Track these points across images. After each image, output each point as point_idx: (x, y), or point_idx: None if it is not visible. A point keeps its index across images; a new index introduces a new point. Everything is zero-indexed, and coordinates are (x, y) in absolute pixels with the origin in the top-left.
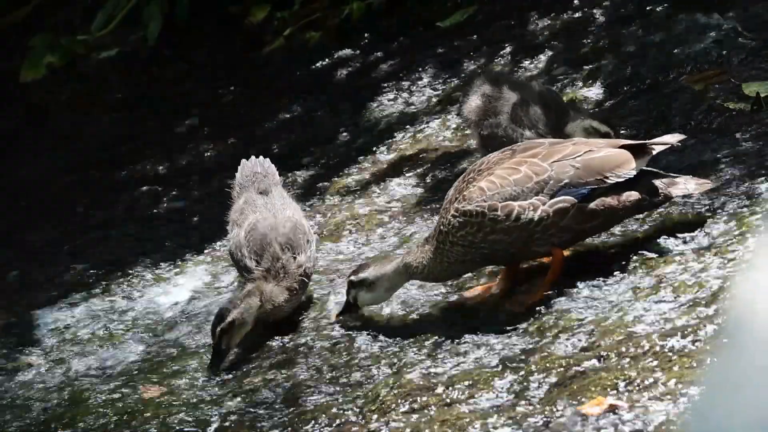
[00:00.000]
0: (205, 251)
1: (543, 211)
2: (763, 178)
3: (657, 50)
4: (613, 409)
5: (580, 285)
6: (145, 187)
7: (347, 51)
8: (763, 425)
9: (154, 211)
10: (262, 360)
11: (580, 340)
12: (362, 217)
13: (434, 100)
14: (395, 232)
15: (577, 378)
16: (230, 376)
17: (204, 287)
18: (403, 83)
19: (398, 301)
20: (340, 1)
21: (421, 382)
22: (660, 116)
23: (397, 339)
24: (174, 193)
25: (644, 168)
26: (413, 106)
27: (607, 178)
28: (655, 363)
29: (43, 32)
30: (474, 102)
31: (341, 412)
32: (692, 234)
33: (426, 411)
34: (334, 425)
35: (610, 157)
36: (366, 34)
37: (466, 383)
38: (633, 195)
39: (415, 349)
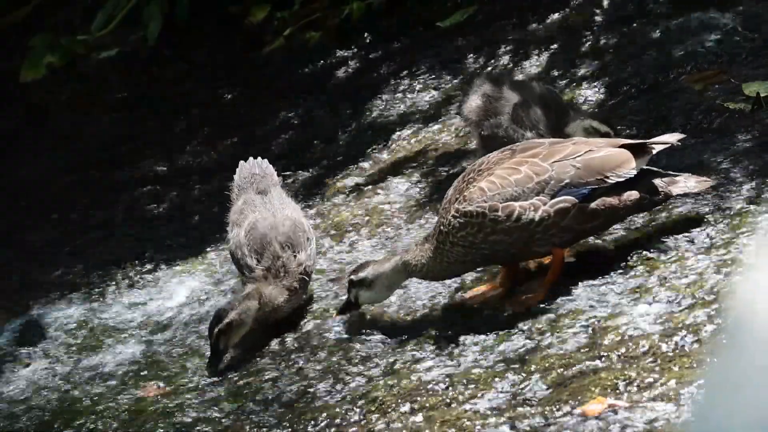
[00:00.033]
0: (205, 251)
1: (544, 212)
2: (763, 178)
3: (657, 50)
4: (613, 409)
5: (580, 285)
6: (145, 187)
7: (347, 51)
8: (763, 425)
9: (154, 211)
10: (262, 360)
11: (580, 340)
12: (362, 216)
13: (434, 100)
14: (395, 232)
15: (577, 378)
16: (230, 376)
17: (204, 287)
18: (403, 83)
19: (398, 301)
20: (340, 1)
21: (421, 382)
22: (660, 116)
23: (397, 339)
24: (174, 193)
25: (644, 167)
26: (413, 106)
27: (607, 177)
28: (655, 363)
29: (43, 32)
30: (474, 102)
31: (341, 412)
32: (692, 234)
33: (426, 411)
34: (334, 425)
35: (611, 156)
36: (366, 34)
37: (466, 383)
38: (633, 194)
39: (415, 349)
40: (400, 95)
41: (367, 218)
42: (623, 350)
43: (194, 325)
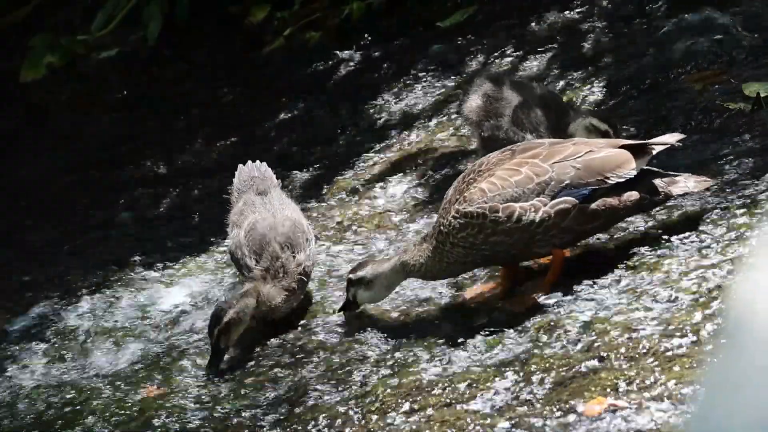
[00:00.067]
0: (205, 251)
1: (544, 213)
2: (763, 178)
3: (657, 50)
4: (613, 409)
5: (580, 285)
6: (145, 187)
7: (347, 51)
8: (763, 425)
9: (154, 211)
10: (262, 360)
11: (580, 340)
12: (362, 216)
13: (434, 100)
14: (396, 232)
15: (577, 378)
16: (230, 376)
17: (204, 287)
18: (403, 83)
19: (398, 301)
20: (340, 1)
21: (421, 382)
22: (660, 116)
23: (397, 339)
24: (174, 193)
25: (644, 167)
26: (413, 106)
27: (607, 178)
28: (655, 363)
29: (43, 32)
30: (474, 102)
31: (341, 412)
32: (692, 233)
33: (426, 411)
34: (334, 425)
35: (611, 157)
36: (366, 34)
37: (466, 383)
38: (634, 194)
39: (415, 349)
40: (400, 95)
41: (367, 218)
42: (623, 350)
43: (194, 325)
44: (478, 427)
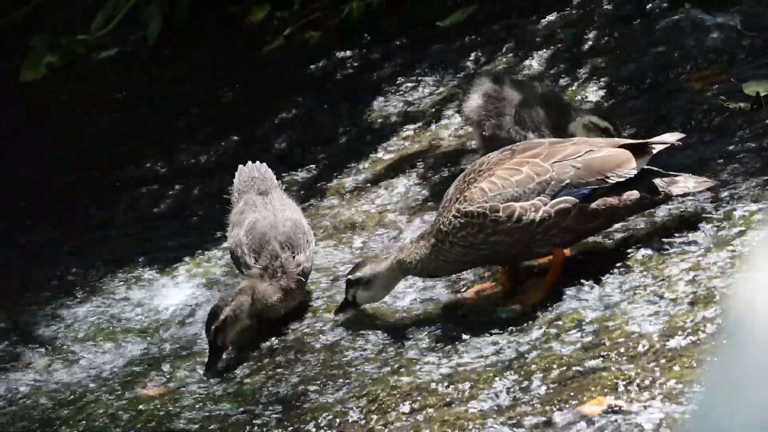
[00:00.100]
0: (205, 251)
1: (545, 212)
2: (763, 177)
3: (657, 50)
4: (613, 408)
5: (581, 285)
6: (145, 187)
7: (347, 51)
8: (763, 425)
9: (154, 211)
10: (262, 360)
11: (580, 340)
12: (362, 216)
13: (434, 99)
14: (396, 232)
15: (577, 378)
16: (230, 376)
17: (204, 287)
18: (403, 83)
19: (398, 301)
20: (340, 1)
21: (421, 382)
22: (660, 116)
23: (397, 339)
24: (174, 193)
25: (644, 167)
26: (413, 106)
27: (608, 178)
28: (655, 363)
29: (43, 32)
30: (475, 101)
31: (341, 412)
32: (692, 233)
33: (426, 411)
34: (334, 425)
35: (611, 156)
36: (366, 34)
37: (466, 383)
38: (634, 194)
39: (415, 348)
40: (400, 95)
41: (367, 218)
42: (623, 350)
43: (194, 324)
44: (478, 427)
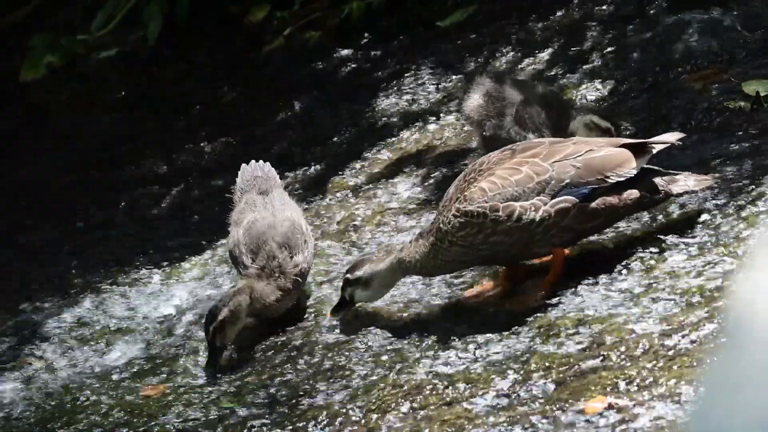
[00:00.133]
0: (205, 251)
1: (544, 212)
2: (763, 177)
3: (657, 49)
4: (613, 408)
5: (581, 285)
6: (145, 187)
7: (347, 51)
8: (763, 425)
9: (154, 211)
10: (262, 360)
11: (580, 340)
12: (362, 216)
13: (434, 99)
14: (396, 232)
15: (577, 377)
16: (230, 376)
17: (204, 287)
18: (403, 83)
19: (398, 300)
20: (339, 1)
21: (421, 382)
22: (660, 115)
23: (397, 338)
24: (174, 193)
25: (644, 166)
26: (413, 106)
27: (608, 177)
28: (655, 362)
29: (43, 32)
30: (475, 101)
31: (341, 411)
32: (692, 233)
33: (426, 410)
34: (334, 425)
35: (611, 156)
36: (366, 34)
37: (466, 383)
38: (633, 193)
39: (414, 348)
40: (400, 95)
41: (367, 218)
42: (623, 349)
43: (194, 324)
44: (478, 427)
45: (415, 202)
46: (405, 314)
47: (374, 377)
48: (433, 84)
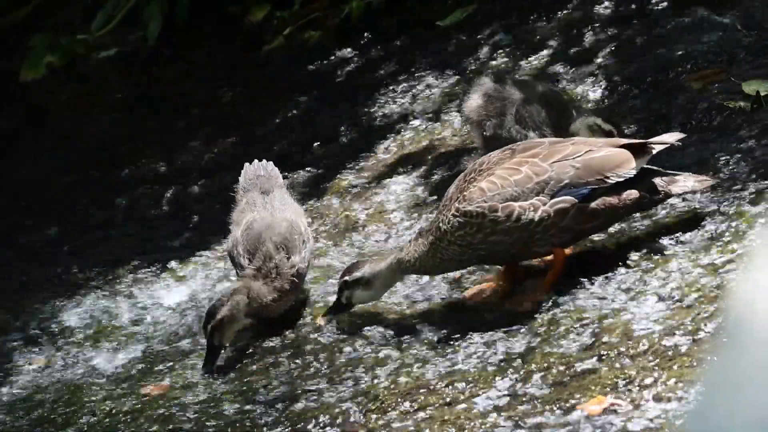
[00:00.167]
0: (205, 251)
1: (543, 212)
2: (763, 177)
3: (657, 49)
4: (613, 408)
5: (581, 284)
6: (145, 187)
7: (347, 51)
8: (763, 425)
9: (154, 211)
10: (262, 360)
11: (580, 340)
12: (362, 216)
13: (434, 99)
14: (396, 232)
15: (577, 377)
16: (230, 375)
17: (204, 287)
18: (403, 83)
19: (397, 301)
20: (339, 1)
21: (421, 382)
22: (660, 115)
23: (397, 338)
24: (174, 193)
25: (644, 166)
26: (413, 105)
27: (607, 178)
28: (655, 362)
29: (43, 32)
30: (475, 101)
31: (341, 411)
32: (692, 233)
33: (426, 410)
34: (334, 425)
35: (611, 156)
36: (366, 34)
37: (466, 383)
38: (633, 193)
39: (414, 348)
40: (400, 95)
41: (367, 218)
42: (623, 349)
43: (194, 324)
44: (478, 427)
45: (415, 202)
46: (405, 314)
47: (374, 377)
48: (433, 84)
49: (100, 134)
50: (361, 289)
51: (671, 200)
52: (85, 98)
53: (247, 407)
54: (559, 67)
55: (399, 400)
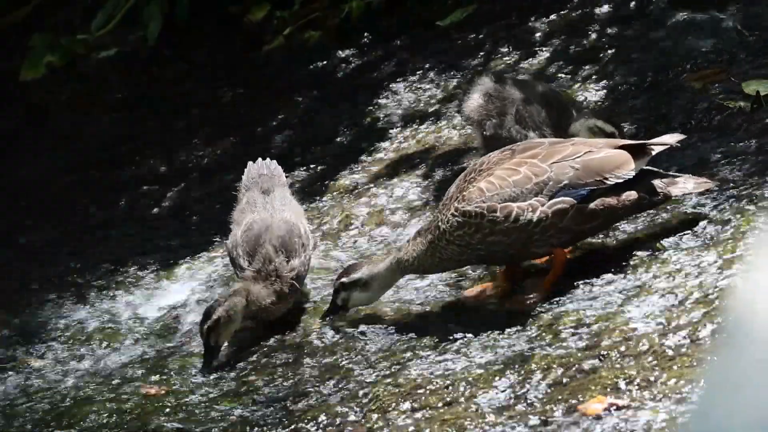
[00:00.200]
0: (205, 251)
1: (542, 212)
2: (763, 177)
3: (657, 49)
4: (613, 407)
5: (581, 285)
6: (145, 187)
7: (347, 51)
8: (763, 425)
9: (154, 211)
10: (262, 360)
11: (580, 340)
12: (362, 216)
13: (434, 99)
14: (396, 232)
15: (577, 377)
16: (230, 376)
17: (204, 287)
18: (403, 83)
19: (398, 301)
20: (339, 1)
21: (421, 382)
22: (660, 115)
23: (397, 338)
24: (174, 193)
25: (644, 167)
26: (413, 105)
27: (606, 179)
28: (655, 362)
29: (43, 32)
30: (475, 101)
31: (341, 411)
32: (692, 233)
33: (426, 410)
34: (334, 425)
35: (610, 157)
36: (366, 34)
37: (466, 383)
38: (632, 195)
39: (414, 348)
40: (400, 95)
41: (367, 218)
42: (623, 349)
43: (194, 324)
44: (478, 427)
45: (415, 202)
46: (405, 314)
47: (374, 377)
48: (433, 84)
49: (100, 134)
50: (359, 290)
51: (671, 200)
52: (85, 98)
53: (247, 408)
54: (559, 67)
55: (399, 400)
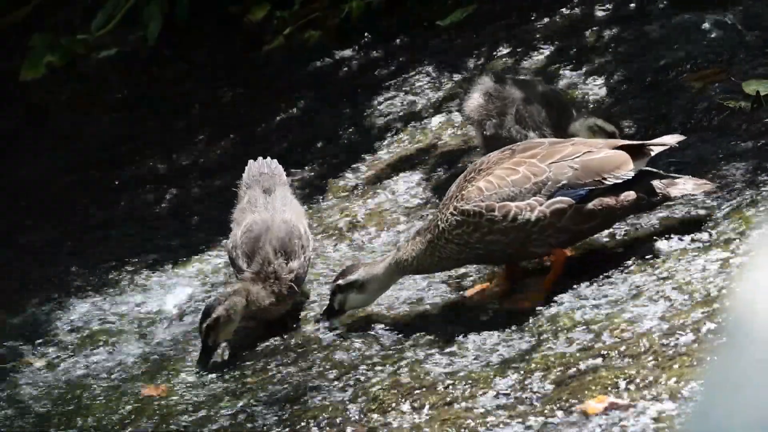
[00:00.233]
0: (205, 251)
1: (540, 212)
2: (763, 177)
3: (657, 49)
4: (613, 407)
5: (581, 284)
6: (145, 187)
7: (347, 51)
8: (763, 425)
9: (154, 211)
10: (262, 359)
11: (580, 339)
12: (362, 216)
13: (434, 99)
14: (395, 232)
15: (577, 377)
16: (229, 376)
17: (204, 287)
18: (403, 82)
19: (398, 301)
20: (339, 1)
21: (421, 382)
22: (660, 115)
23: (397, 338)
24: (174, 193)
25: (643, 168)
26: (413, 105)
27: (605, 179)
28: (656, 362)
29: (43, 32)
30: (476, 101)
31: (341, 411)
32: (692, 233)
33: (426, 410)
34: (334, 424)
35: (609, 158)
36: (366, 34)
37: (467, 382)
38: (631, 195)
39: (414, 348)
40: (400, 94)
41: (367, 218)
42: (623, 349)
43: (194, 324)
44: (478, 426)
45: (415, 202)
46: (405, 314)
47: (374, 377)
48: (433, 83)
49: (100, 134)
50: (355, 292)
51: (671, 201)
52: (85, 98)
53: (247, 408)
54: (558, 68)
55: (399, 399)
